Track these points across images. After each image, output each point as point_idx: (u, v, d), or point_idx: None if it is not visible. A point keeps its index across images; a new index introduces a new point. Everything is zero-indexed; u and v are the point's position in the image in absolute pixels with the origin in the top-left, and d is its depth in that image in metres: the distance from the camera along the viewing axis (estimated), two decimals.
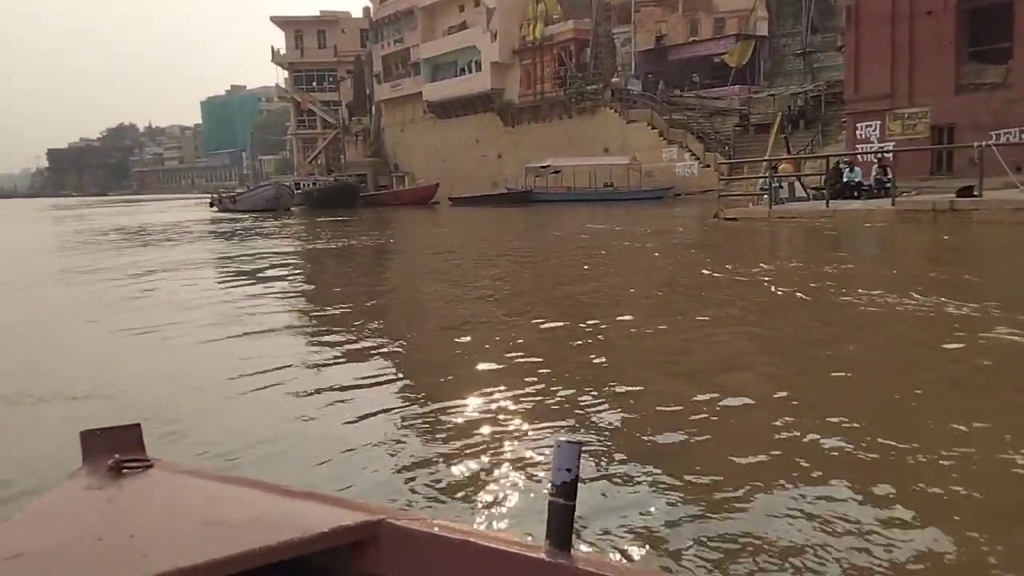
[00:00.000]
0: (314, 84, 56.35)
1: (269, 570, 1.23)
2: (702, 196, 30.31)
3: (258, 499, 1.44)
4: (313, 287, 10.06)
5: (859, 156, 20.61)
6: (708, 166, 31.17)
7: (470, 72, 42.76)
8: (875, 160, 18.79)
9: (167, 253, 14.66)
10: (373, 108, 52.89)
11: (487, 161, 42.50)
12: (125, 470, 1.54)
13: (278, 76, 62.97)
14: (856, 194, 16.53)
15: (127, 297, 8.37)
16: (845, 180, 16.48)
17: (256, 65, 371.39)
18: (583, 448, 1.21)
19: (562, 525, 1.18)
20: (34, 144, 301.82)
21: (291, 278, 10.90)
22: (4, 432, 3.92)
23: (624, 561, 1.90)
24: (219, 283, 9.56)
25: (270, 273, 11.24)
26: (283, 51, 55.60)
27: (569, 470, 1.16)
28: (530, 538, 1.30)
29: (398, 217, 28.76)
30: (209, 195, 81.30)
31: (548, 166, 33.85)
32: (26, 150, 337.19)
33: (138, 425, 1.66)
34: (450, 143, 45.11)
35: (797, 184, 17.03)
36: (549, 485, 1.19)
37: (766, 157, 17.87)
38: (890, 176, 16.80)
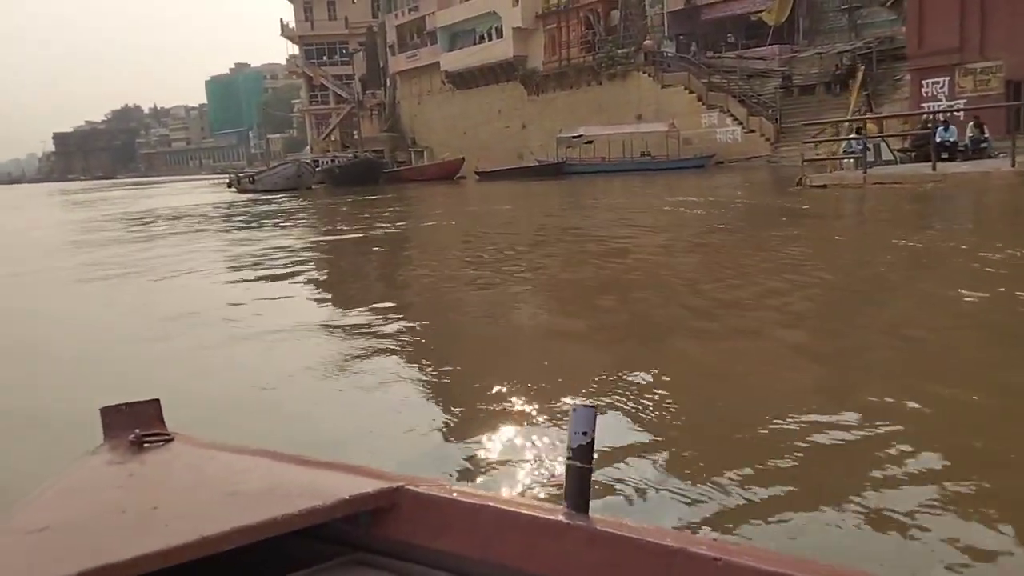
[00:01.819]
0: (325, 58, 54.64)
1: (290, 538, 1.25)
2: (747, 164, 28.79)
3: (278, 469, 1.44)
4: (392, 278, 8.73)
5: (927, 115, 18.96)
6: (752, 131, 29.57)
7: (490, 39, 40.88)
8: (943, 119, 17.18)
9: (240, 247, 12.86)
10: (388, 81, 51.11)
11: (510, 132, 40.87)
12: (146, 444, 1.54)
13: (288, 50, 61.54)
14: (948, 155, 15.06)
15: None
16: (939, 140, 14.98)
17: (260, 42, 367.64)
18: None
19: (579, 488, 1.18)
20: (39, 128, 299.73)
21: (386, 271, 9.59)
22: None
23: (642, 523, 1.59)
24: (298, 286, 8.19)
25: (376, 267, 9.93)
26: (292, 24, 53.87)
27: (585, 433, 1.15)
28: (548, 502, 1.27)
29: (427, 194, 27.29)
30: (219, 175, 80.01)
31: (580, 136, 32.22)
32: (32, 134, 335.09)
33: (157, 400, 1.66)
34: (470, 115, 43.44)
35: (883, 146, 15.52)
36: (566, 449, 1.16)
37: (848, 117, 16.32)
38: (987, 135, 15.33)
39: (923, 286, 6.06)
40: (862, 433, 2.93)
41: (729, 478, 2.57)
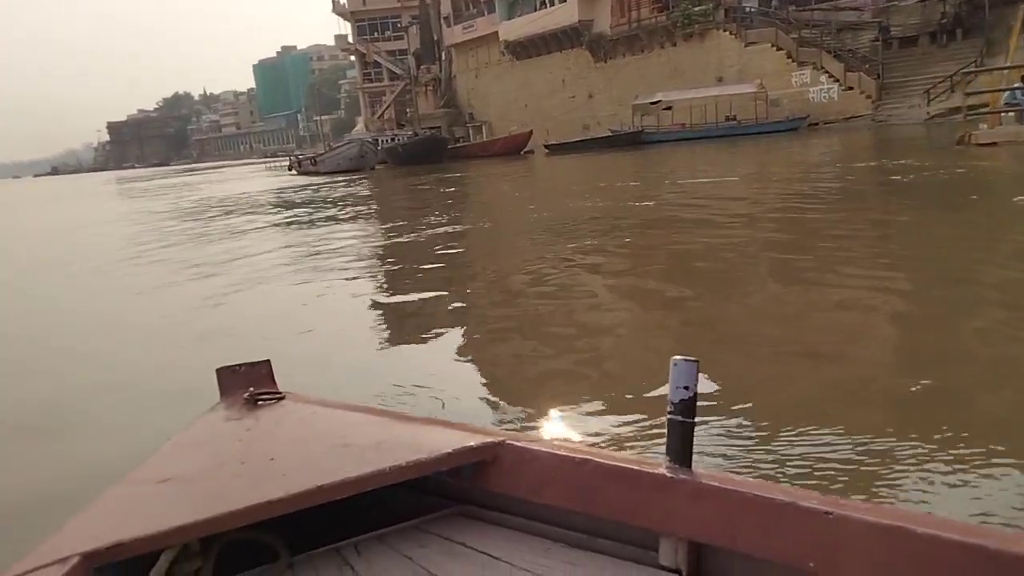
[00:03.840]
0: (377, 34, 53.41)
1: (396, 489, 1.29)
2: (845, 124, 26.60)
3: (385, 425, 1.48)
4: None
5: None
6: (851, 88, 27.30)
7: (552, 4, 39.01)
8: None
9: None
10: (443, 54, 49.62)
11: (576, 103, 39.06)
12: (260, 402, 1.60)
13: (338, 28, 60.53)
14: None
15: None
16: None
17: (307, 23, 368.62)
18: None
19: (682, 442, 1.16)
20: (93, 118, 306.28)
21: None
22: None
23: (747, 476, 1.61)
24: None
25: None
26: (344, 1, 52.73)
27: (687, 387, 1.13)
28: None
29: (504, 171, 25.62)
30: (270, 159, 79.67)
31: (659, 102, 30.34)
32: (86, 124, 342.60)
33: (268, 361, 1.72)
34: (532, 86, 41.71)
35: None
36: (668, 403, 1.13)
37: (1008, 63, 14.30)
38: None
39: None
40: None
41: None
